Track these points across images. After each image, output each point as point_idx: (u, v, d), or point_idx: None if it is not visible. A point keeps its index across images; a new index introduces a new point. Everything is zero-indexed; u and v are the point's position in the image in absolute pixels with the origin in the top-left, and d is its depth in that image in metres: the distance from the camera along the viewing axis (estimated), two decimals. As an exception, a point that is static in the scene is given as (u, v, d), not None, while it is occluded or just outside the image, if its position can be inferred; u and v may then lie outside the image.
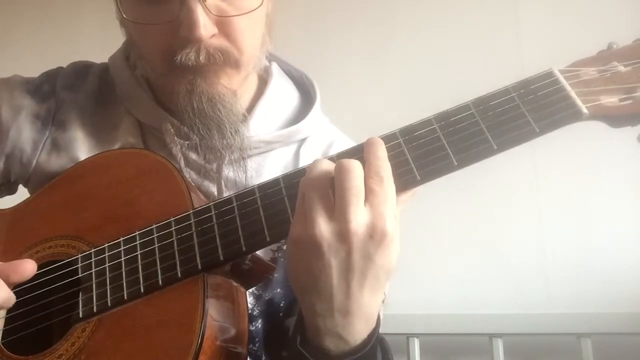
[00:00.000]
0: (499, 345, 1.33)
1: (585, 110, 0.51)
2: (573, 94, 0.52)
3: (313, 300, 0.50)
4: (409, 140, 0.54)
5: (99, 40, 1.44)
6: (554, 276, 1.41)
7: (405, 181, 0.53)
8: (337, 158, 0.54)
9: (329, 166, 0.51)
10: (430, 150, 0.53)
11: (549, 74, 0.54)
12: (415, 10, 1.60)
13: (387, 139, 0.54)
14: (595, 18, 1.44)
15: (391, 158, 0.52)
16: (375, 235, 0.48)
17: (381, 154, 0.51)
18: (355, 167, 0.49)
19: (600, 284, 1.37)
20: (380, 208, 0.48)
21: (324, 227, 0.48)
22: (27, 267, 0.56)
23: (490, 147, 0.52)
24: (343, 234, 0.48)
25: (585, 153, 1.40)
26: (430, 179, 0.53)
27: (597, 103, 0.51)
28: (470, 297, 1.43)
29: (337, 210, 0.48)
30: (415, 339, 1.38)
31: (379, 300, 0.52)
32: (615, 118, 0.52)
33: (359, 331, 0.51)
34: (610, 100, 0.51)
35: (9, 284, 0.55)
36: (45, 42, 1.79)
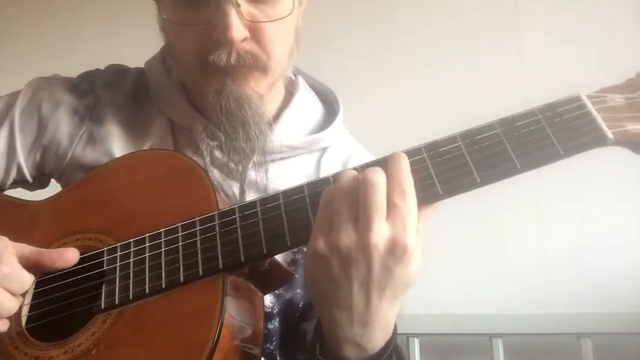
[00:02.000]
0: (499, 345, 1.34)
1: (610, 135, 0.52)
2: (599, 118, 0.52)
3: (333, 310, 0.51)
4: (433, 156, 0.55)
5: (100, 40, 1.45)
6: (554, 276, 1.41)
7: (427, 195, 0.53)
8: (362, 170, 0.54)
9: (354, 178, 0.52)
10: (454, 166, 0.54)
11: (576, 98, 0.54)
12: (416, 11, 1.59)
13: (411, 153, 0.55)
14: (595, 17, 1.43)
15: (414, 172, 0.53)
16: (396, 250, 0.49)
17: (404, 167, 0.52)
18: (379, 182, 0.50)
19: (600, 284, 1.37)
20: (403, 223, 0.49)
21: (346, 239, 0.49)
22: (71, 255, 0.59)
23: (514, 167, 0.53)
24: (365, 247, 0.49)
25: (586, 154, 1.39)
26: (452, 194, 0.54)
27: (622, 129, 0.52)
28: (471, 297, 1.44)
29: (361, 223, 0.49)
30: (415, 339, 1.39)
31: (397, 310, 0.53)
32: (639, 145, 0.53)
33: (377, 340, 0.53)
34: (635, 127, 0.52)
35: (53, 269, 0.59)
36: (46, 42, 1.79)
